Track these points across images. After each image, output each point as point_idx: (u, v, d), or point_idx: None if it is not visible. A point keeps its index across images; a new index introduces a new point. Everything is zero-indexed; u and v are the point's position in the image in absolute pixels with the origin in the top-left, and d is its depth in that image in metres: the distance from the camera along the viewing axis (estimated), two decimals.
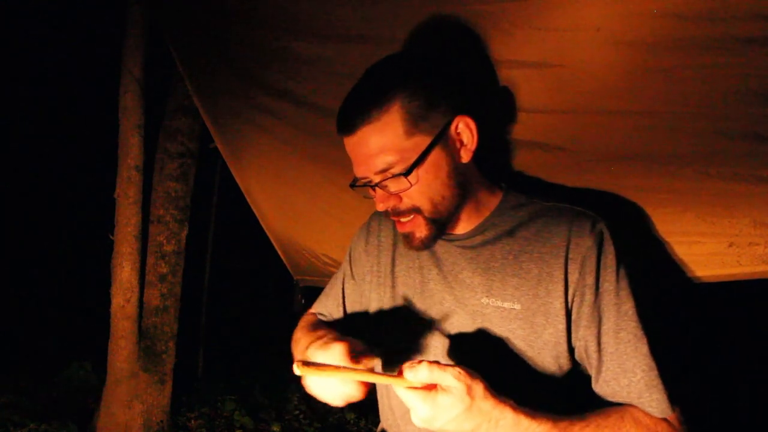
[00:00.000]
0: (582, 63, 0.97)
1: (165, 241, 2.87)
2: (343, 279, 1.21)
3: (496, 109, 1.12)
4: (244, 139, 1.77)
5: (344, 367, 0.78)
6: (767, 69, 0.84)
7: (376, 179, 0.89)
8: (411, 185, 0.87)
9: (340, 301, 1.20)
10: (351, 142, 0.89)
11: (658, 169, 1.08)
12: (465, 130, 0.90)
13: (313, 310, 1.28)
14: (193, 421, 3.17)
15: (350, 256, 1.20)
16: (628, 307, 0.85)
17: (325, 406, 3.72)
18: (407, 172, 0.86)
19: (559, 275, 0.87)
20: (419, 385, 0.73)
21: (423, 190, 0.89)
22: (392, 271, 1.08)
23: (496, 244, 0.95)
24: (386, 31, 1.12)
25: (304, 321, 1.24)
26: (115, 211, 2.57)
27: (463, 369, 0.73)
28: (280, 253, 2.33)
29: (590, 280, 0.86)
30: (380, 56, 1.17)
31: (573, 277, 0.87)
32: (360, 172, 0.91)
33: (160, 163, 2.88)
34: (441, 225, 0.94)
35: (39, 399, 3.25)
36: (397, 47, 1.12)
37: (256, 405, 3.58)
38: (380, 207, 0.93)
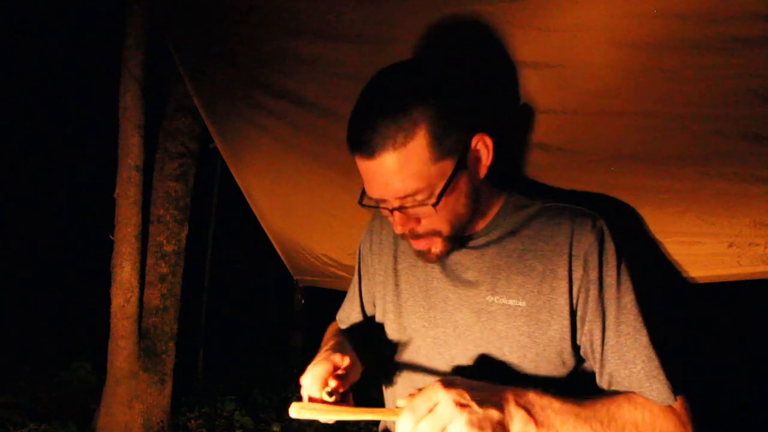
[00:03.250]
0: (582, 63, 0.97)
1: (165, 241, 2.87)
2: (359, 282, 1.22)
3: (495, 110, 1.12)
4: (244, 139, 1.77)
5: (339, 406, 0.82)
6: (767, 69, 0.84)
7: (396, 203, 0.86)
8: (436, 212, 0.85)
9: (358, 303, 1.20)
10: (368, 164, 0.83)
11: (658, 169, 1.08)
12: (483, 148, 0.88)
13: (337, 316, 1.27)
14: (193, 421, 3.17)
15: (360, 257, 1.21)
16: (628, 300, 0.86)
17: None
18: (436, 202, 0.83)
19: (563, 272, 0.89)
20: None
21: (444, 213, 0.87)
22: (395, 269, 1.09)
23: (500, 244, 0.96)
24: (386, 31, 1.12)
25: (329, 329, 1.25)
26: (115, 211, 2.57)
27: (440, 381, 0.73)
28: (280, 253, 2.33)
29: (594, 275, 0.87)
30: (380, 56, 1.17)
31: (577, 274, 0.88)
32: (376, 193, 0.87)
33: (160, 163, 2.88)
34: (455, 240, 0.94)
35: (39, 399, 3.25)
36: (397, 47, 1.12)
37: (256, 405, 3.58)
38: (399, 230, 0.90)
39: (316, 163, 1.66)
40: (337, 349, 0.95)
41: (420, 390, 0.73)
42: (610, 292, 0.87)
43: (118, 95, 2.49)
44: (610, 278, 0.87)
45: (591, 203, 0.96)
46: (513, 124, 1.13)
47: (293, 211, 1.99)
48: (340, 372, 0.88)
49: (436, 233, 0.90)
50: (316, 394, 0.85)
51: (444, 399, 0.70)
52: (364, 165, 0.84)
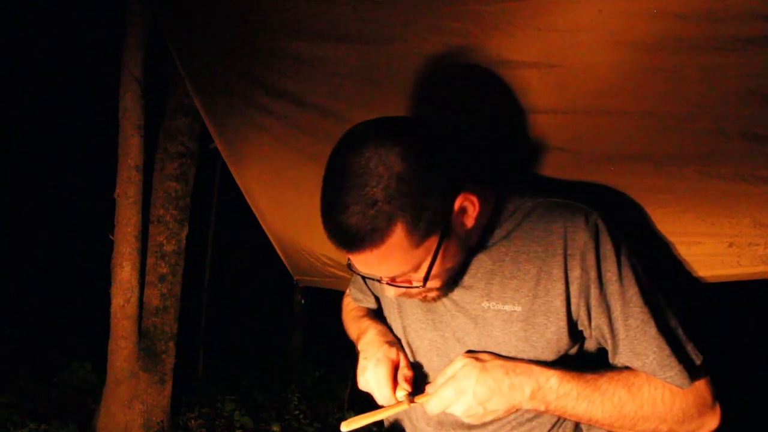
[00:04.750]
0: (582, 63, 0.97)
1: (165, 241, 2.87)
2: (363, 279, 1.24)
3: (494, 110, 1.12)
4: (244, 139, 1.77)
5: (382, 408, 0.91)
6: (767, 69, 0.84)
7: (386, 280, 0.87)
8: (425, 285, 0.85)
9: (370, 293, 1.25)
10: (350, 256, 0.81)
11: (658, 169, 1.07)
12: (468, 205, 0.85)
13: (349, 295, 1.34)
14: (193, 421, 3.18)
15: None
16: (632, 293, 0.85)
17: (325, 406, 3.72)
18: (424, 283, 0.83)
19: (558, 273, 0.87)
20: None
21: (435, 275, 0.86)
22: None
23: (493, 248, 0.94)
24: (386, 31, 1.12)
25: (348, 307, 1.33)
26: (115, 211, 2.57)
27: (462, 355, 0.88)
28: (279, 253, 2.32)
29: (593, 273, 0.86)
30: (380, 56, 1.17)
31: (574, 273, 0.87)
32: (363, 273, 0.86)
33: (160, 163, 2.88)
34: (450, 282, 0.94)
35: (39, 399, 3.26)
36: (397, 47, 1.12)
37: (256, 405, 3.58)
38: (392, 295, 0.91)
39: (316, 164, 1.66)
40: (388, 340, 1.03)
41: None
42: (612, 287, 0.86)
43: (118, 96, 2.49)
44: (610, 273, 0.86)
45: (590, 203, 0.95)
46: (512, 124, 1.13)
47: (293, 211, 1.99)
48: (406, 371, 0.95)
49: (430, 290, 0.91)
50: (388, 398, 0.91)
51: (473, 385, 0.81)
52: (348, 255, 0.82)
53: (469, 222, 0.87)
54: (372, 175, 0.74)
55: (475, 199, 0.85)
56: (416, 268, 0.82)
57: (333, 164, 0.80)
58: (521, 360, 0.87)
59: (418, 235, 0.78)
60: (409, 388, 0.92)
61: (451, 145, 0.85)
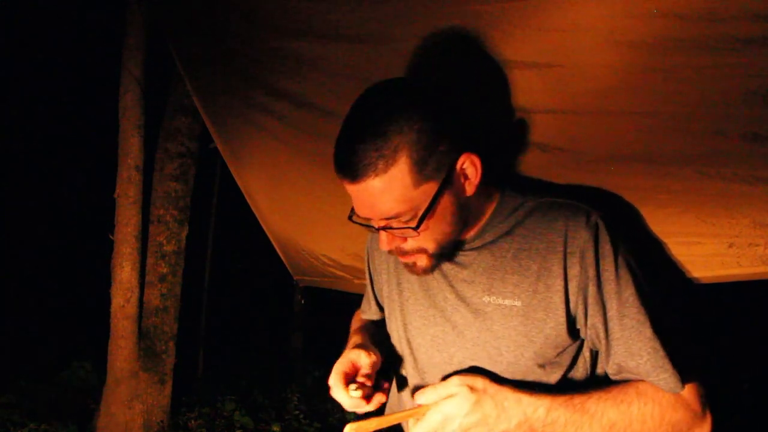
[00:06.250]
0: (582, 63, 0.97)
1: (165, 241, 2.87)
2: (370, 281, 1.27)
3: (495, 110, 1.12)
4: (244, 139, 1.77)
5: (384, 417, 0.92)
6: (767, 69, 0.84)
7: (382, 223, 0.88)
8: (419, 234, 0.87)
9: (374, 301, 1.27)
10: (353, 188, 0.85)
11: (658, 169, 1.07)
12: (470, 167, 0.88)
13: (361, 308, 1.36)
14: (193, 421, 3.17)
15: (368, 256, 1.25)
16: (629, 293, 0.86)
17: (325, 406, 3.73)
18: (417, 225, 0.85)
19: (558, 270, 0.89)
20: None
21: (429, 232, 0.89)
22: (396, 269, 1.11)
23: (495, 245, 0.96)
24: (386, 31, 1.12)
25: (354, 318, 1.36)
26: (115, 211, 2.57)
27: (459, 375, 0.87)
28: (279, 253, 2.33)
29: (591, 272, 0.87)
30: (380, 56, 1.18)
31: (573, 271, 0.88)
32: (363, 213, 0.89)
33: (160, 163, 2.88)
34: (443, 255, 0.95)
35: (39, 399, 3.26)
36: (397, 47, 1.12)
37: (256, 405, 3.58)
38: (385, 248, 0.92)
39: (316, 164, 1.66)
40: (359, 345, 1.04)
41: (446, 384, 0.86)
42: (609, 287, 0.87)
43: (118, 95, 2.49)
44: (608, 273, 0.87)
45: (590, 203, 0.96)
46: (512, 124, 1.13)
47: (293, 212, 1.99)
48: (366, 371, 0.97)
49: (422, 250, 0.92)
50: (341, 395, 0.93)
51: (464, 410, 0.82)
52: (348, 187, 0.86)
53: (470, 188, 0.89)
54: (384, 114, 0.81)
55: (477, 162, 0.88)
56: (413, 211, 0.84)
57: (353, 109, 0.86)
58: (511, 387, 0.87)
59: (419, 174, 0.82)
60: (359, 386, 0.93)
61: (459, 110, 0.90)
